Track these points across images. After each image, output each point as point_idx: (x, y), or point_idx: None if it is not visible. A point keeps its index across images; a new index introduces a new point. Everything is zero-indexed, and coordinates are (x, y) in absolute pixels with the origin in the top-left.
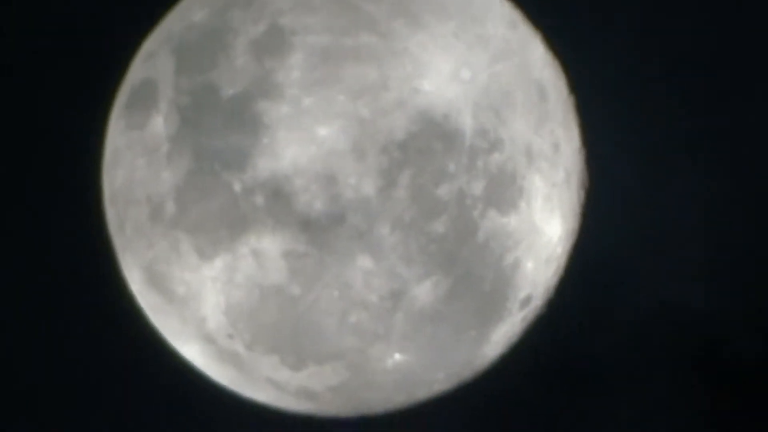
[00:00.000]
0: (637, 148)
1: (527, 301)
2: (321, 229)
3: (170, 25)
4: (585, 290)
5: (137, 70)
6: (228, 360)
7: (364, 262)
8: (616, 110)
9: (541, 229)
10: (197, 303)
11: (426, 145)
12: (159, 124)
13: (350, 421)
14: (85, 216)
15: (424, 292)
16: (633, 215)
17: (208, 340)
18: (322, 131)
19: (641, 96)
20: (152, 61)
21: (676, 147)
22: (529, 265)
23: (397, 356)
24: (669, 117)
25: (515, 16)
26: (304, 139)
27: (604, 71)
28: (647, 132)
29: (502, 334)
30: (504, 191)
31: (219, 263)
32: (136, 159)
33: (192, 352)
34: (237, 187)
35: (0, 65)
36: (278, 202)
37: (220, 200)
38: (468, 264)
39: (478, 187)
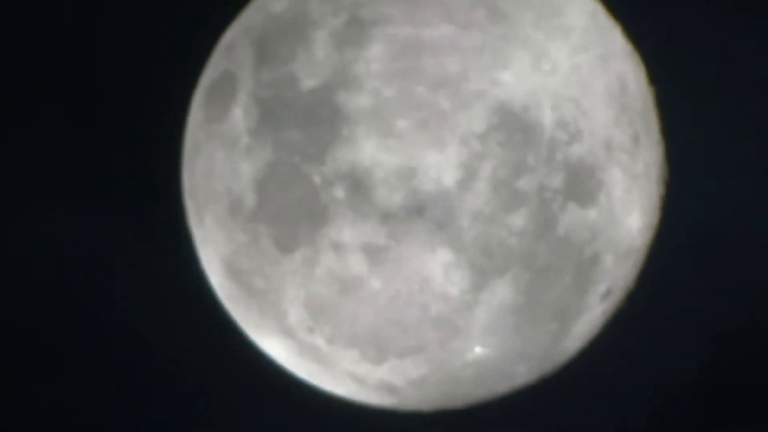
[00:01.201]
0: (718, 140)
1: (607, 294)
2: (401, 222)
3: (249, 17)
4: (664, 285)
5: (217, 63)
6: (308, 353)
7: (444, 254)
8: (697, 102)
9: (621, 221)
10: (277, 296)
11: (506, 137)
12: (238, 116)
13: (431, 414)
14: (165, 209)
15: (504, 285)
16: (715, 207)
17: (288, 333)
18: (402, 123)
19: (722, 87)
20: (231, 53)
21: (760, 139)
22: (608, 258)
23: (478, 349)
24: (753, 108)
25: (595, 6)
26: (384, 131)
27: (684, 63)
28: (729, 124)
29: (583, 328)
30: (583, 184)
31: (299, 256)
32: (216, 152)
33: (272, 345)
34: (317, 179)
35: (75, 61)
36: (358, 194)
37: (300, 193)
38: (548, 257)
39: (557, 180)
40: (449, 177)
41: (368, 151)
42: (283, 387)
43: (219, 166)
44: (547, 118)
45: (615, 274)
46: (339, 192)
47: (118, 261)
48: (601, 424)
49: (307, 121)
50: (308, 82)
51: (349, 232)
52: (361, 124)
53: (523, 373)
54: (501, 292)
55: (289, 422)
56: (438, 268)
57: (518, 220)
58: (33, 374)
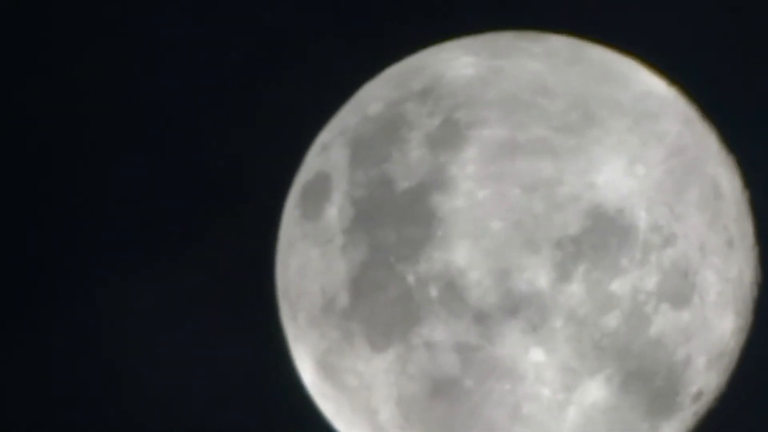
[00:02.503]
0: None
1: (699, 396)
2: (494, 322)
3: (345, 117)
4: (756, 386)
5: (312, 162)
6: None
7: (537, 355)
8: None
9: (714, 324)
10: (369, 394)
11: (600, 240)
12: (333, 215)
13: None
14: (259, 306)
15: (596, 386)
16: None
17: (379, 431)
18: (496, 225)
19: None
20: (327, 153)
21: None
22: (701, 361)
23: None
24: None
25: (691, 112)
26: (478, 232)
27: None
28: None
29: (674, 428)
30: (677, 286)
31: (391, 355)
32: (310, 250)
33: None
34: (411, 279)
35: (172, 162)
36: (451, 294)
37: (394, 292)
38: (640, 359)
39: (651, 282)
40: (543, 278)
41: (462, 251)
42: None
43: (313, 264)
44: (641, 221)
45: (707, 376)
46: (433, 291)
47: (211, 357)
48: None
49: (401, 222)
50: (402, 183)
51: (441, 331)
52: (455, 225)
53: None
54: (593, 393)
55: None
56: (530, 369)
57: (611, 321)
58: None
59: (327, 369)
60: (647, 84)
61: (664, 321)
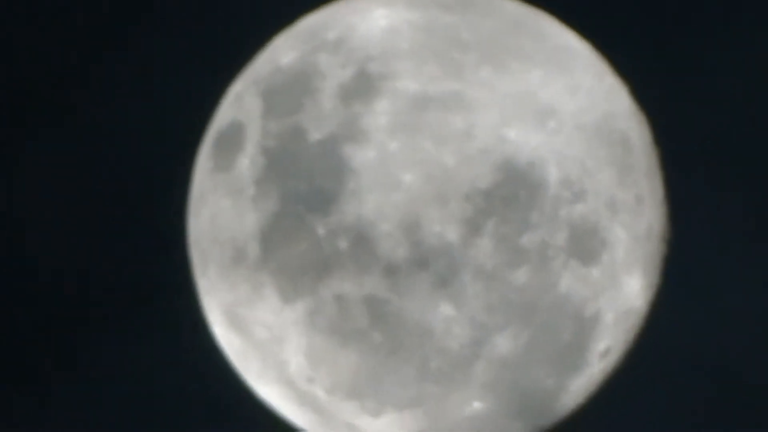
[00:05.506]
0: (721, 202)
1: (606, 352)
2: (403, 276)
3: (258, 67)
4: (664, 343)
5: (225, 112)
6: (308, 404)
7: (446, 309)
8: (701, 164)
9: (623, 281)
10: (278, 346)
11: (510, 194)
12: (245, 166)
13: None
14: (170, 257)
15: (504, 340)
16: (715, 269)
17: (288, 383)
18: (407, 177)
19: (727, 150)
20: (239, 103)
21: (764, 201)
22: (609, 317)
23: (476, 404)
24: (756, 170)
25: (602, 67)
26: (389, 184)
27: (689, 124)
28: (732, 186)
29: (581, 385)
30: (586, 242)
31: (301, 307)
32: (222, 200)
33: (272, 394)
34: (321, 230)
35: (84, 109)
36: (361, 247)
37: (304, 244)
38: (548, 314)
39: (560, 238)
40: (453, 232)
41: (372, 204)
42: None
43: (224, 215)
44: (551, 176)
45: (615, 333)
46: (342, 244)
47: (119, 306)
48: None
49: (312, 173)
50: (315, 134)
51: (351, 284)
52: (366, 176)
53: (520, 428)
54: (501, 348)
55: None
56: (439, 323)
57: (520, 276)
58: None
59: (236, 320)
60: (560, 38)
61: (572, 277)
